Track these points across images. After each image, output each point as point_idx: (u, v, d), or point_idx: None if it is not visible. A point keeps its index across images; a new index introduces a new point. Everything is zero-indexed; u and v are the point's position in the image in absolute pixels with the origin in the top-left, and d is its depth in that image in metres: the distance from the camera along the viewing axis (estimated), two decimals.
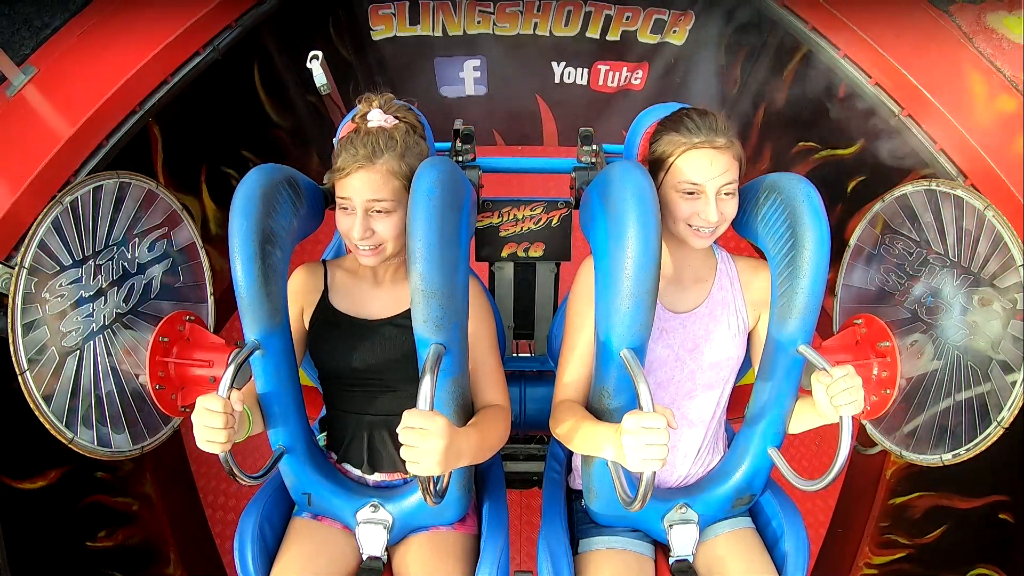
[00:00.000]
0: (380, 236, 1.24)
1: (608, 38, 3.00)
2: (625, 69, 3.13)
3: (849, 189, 2.43)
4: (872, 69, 2.08)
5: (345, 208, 1.25)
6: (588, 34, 3.00)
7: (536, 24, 2.97)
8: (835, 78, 2.31)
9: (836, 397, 1.13)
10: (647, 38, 2.98)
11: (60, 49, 1.83)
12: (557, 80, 3.21)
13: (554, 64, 3.16)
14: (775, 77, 2.74)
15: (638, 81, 3.17)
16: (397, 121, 1.28)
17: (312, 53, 2.23)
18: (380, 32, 2.99)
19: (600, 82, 3.21)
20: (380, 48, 3.03)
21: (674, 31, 2.94)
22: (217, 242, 1.79)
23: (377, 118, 1.26)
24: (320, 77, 2.20)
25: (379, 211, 1.23)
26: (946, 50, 1.97)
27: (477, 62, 3.14)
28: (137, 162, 2.10)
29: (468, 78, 3.20)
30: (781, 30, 2.49)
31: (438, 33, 3.00)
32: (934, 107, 1.88)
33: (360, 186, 1.21)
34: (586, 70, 3.16)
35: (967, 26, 2.02)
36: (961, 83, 1.91)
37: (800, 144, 2.69)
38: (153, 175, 2.15)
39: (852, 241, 1.71)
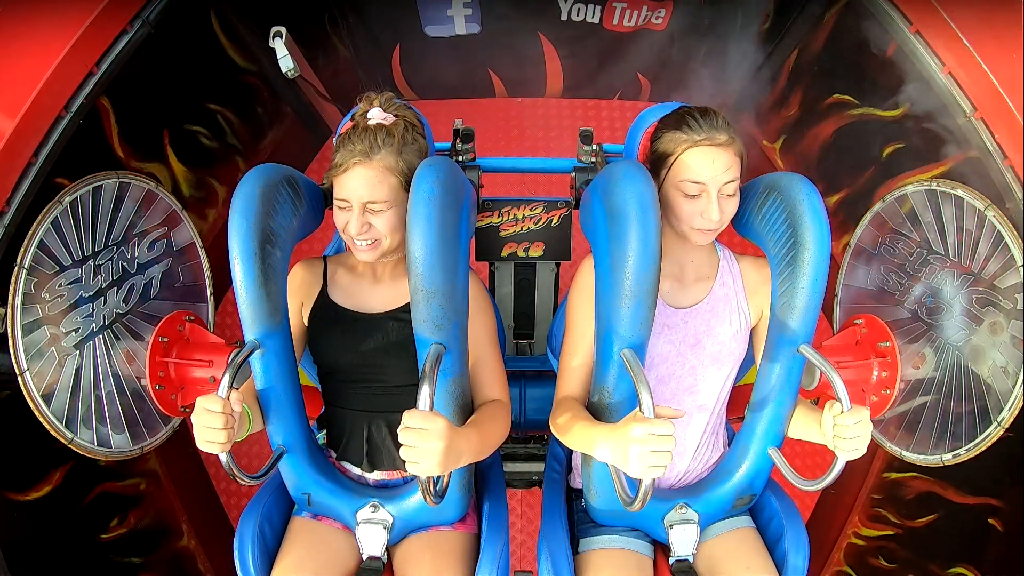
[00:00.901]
0: (377, 231, 1.25)
1: None
2: (645, 7, 2.72)
3: (884, 154, 2.23)
4: (947, 56, 1.83)
5: (342, 206, 1.25)
6: None
7: None
8: (885, 33, 2.08)
9: (842, 441, 1.12)
10: None
11: None
12: (564, 17, 2.79)
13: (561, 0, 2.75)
14: (816, 14, 2.46)
15: (659, 20, 2.77)
16: (396, 119, 1.28)
17: (274, 30, 2.02)
18: None
19: (615, 20, 2.79)
20: None
21: None
22: (192, 204, 1.68)
23: (377, 116, 1.26)
24: (286, 60, 2.00)
25: (375, 208, 1.23)
26: None
27: None
28: (90, 144, 1.93)
29: (458, 15, 2.79)
30: None
31: None
32: (1012, 116, 1.64)
33: (357, 183, 1.21)
34: (599, 6, 2.74)
35: None
36: None
37: (835, 96, 2.45)
38: (111, 151, 2.03)
39: (852, 241, 1.71)
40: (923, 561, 2.02)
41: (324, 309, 1.36)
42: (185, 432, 2.38)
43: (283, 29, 1.96)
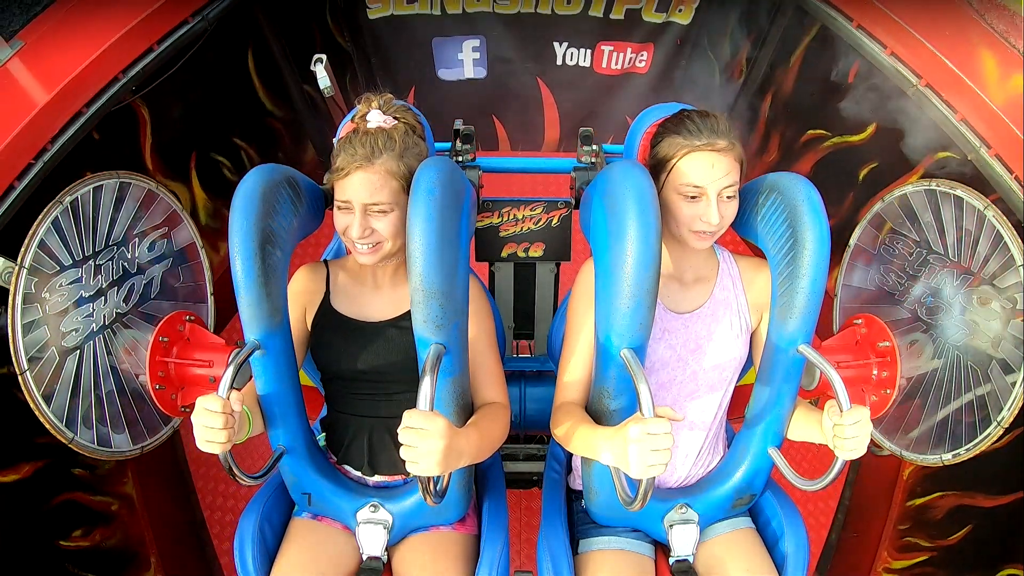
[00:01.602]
0: (379, 235, 1.25)
1: (612, 16, 2.90)
2: (629, 50, 3.03)
3: (861, 177, 2.38)
4: (888, 39, 1.99)
5: (343, 209, 1.25)
6: (591, 12, 2.89)
7: (537, 1, 2.87)
8: (847, 58, 2.24)
9: (842, 441, 1.12)
10: (652, 17, 2.90)
11: (48, 23, 1.77)
12: (559, 62, 3.11)
13: (556, 45, 3.06)
14: (783, 61, 2.66)
15: (643, 64, 3.10)
16: (396, 121, 1.28)
17: (316, 56, 2.24)
18: (376, 10, 2.90)
19: (604, 64, 3.12)
20: (376, 29, 2.96)
21: (680, 9, 2.85)
22: (207, 234, 1.75)
23: (376, 119, 1.26)
24: (324, 79, 2.21)
25: (377, 212, 1.23)
26: (961, 24, 1.88)
27: (476, 42, 3.04)
28: (124, 143, 2.04)
29: (467, 59, 3.11)
30: (791, 5, 2.44)
31: (436, 11, 2.91)
32: (954, 76, 1.80)
33: (358, 188, 1.21)
34: (589, 51, 3.06)
35: (979, 3, 1.92)
36: (978, 56, 1.82)
37: (809, 132, 2.62)
38: (140, 158, 2.10)
39: (852, 241, 1.71)
40: (966, 574, 1.99)
41: (327, 317, 1.36)
42: (172, 463, 2.35)
43: (324, 56, 2.14)
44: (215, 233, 2.53)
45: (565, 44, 3.06)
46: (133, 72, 1.82)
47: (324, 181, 1.34)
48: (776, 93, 2.77)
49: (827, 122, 2.51)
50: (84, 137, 1.72)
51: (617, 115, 3.26)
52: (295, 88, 2.87)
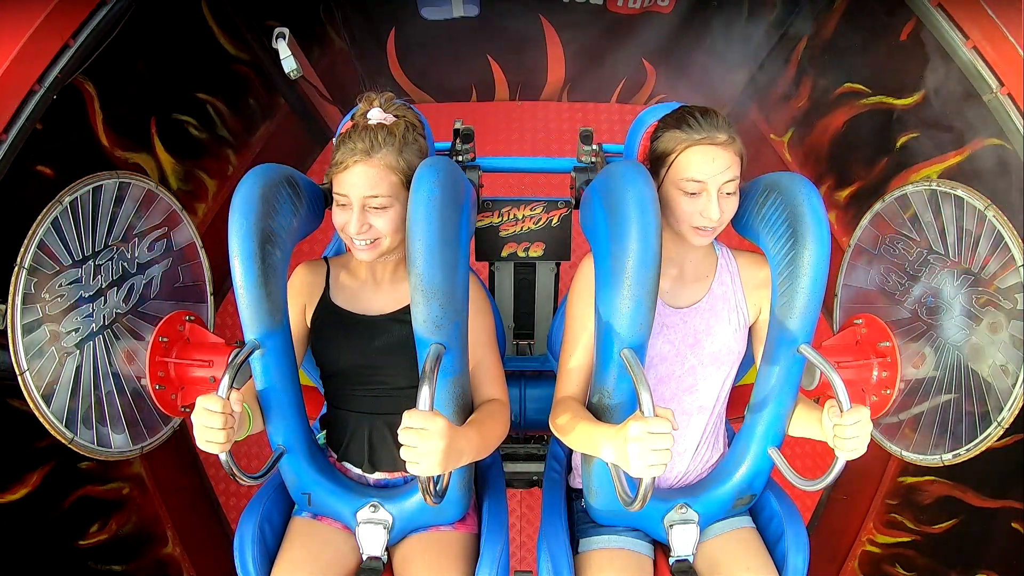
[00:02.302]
0: (376, 231, 1.24)
1: None
2: None
3: (898, 144, 2.17)
4: (971, 28, 1.73)
5: (342, 204, 1.25)
6: None
7: None
8: (901, 11, 2.00)
9: (842, 441, 1.12)
10: None
11: None
12: None
13: None
14: (824, 5, 2.41)
15: (665, 3, 2.71)
16: (397, 119, 1.28)
17: (277, 31, 2.02)
18: None
19: (620, 2, 2.72)
20: None
21: None
22: (181, 198, 1.61)
23: (377, 116, 1.26)
24: (289, 61, 2.01)
25: (376, 207, 1.23)
26: None
27: None
28: (72, 126, 1.87)
29: None
30: None
31: None
32: None
33: (357, 181, 1.21)
34: None
35: None
36: None
37: (847, 85, 2.39)
38: (93, 136, 1.96)
39: (852, 241, 1.71)
40: (944, 568, 1.96)
41: (326, 312, 1.36)
42: (174, 435, 2.35)
43: (286, 30, 1.96)
44: (189, 196, 2.42)
45: None
46: (53, 74, 1.63)
47: (323, 178, 1.34)
48: (814, 36, 2.51)
49: (868, 78, 2.30)
50: (29, 133, 1.59)
51: (632, 59, 2.92)
52: (259, 27, 2.58)
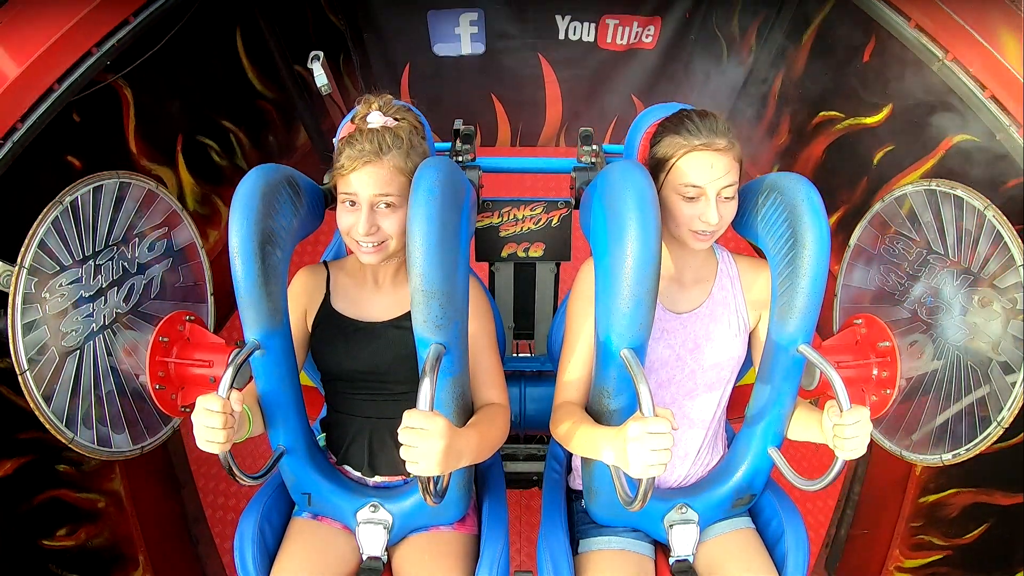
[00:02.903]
0: (384, 232, 1.24)
1: None
2: (636, 24, 2.88)
3: (875, 160, 2.28)
4: (912, 10, 1.85)
5: (350, 203, 1.24)
6: None
7: None
8: (863, 35, 2.11)
9: (842, 440, 1.12)
10: None
11: (17, 4, 1.66)
12: (562, 36, 2.95)
13: (558, 18, 2.90)
14: (795, 39, 2.54)
15: (649, 39, 2.95)
16: (398, 122, 1.28)
17: (313, 53, 2.19)
18: None
19: (608, 39, 2.96)
20: (369, 1, 2.85)
21: None
22: (196, 220, 1.70)
23: (377, 120, 1.26)
24: (321, 77, 2.18)
25: (386, 205, 1.23)
26: (989, 3, 1.76)
27: (475, 15, 2.89)
28: (106, 125, 1.97)
29: (464, 34, 2.96)
30: None
31: None
32: (982, 50, 1.68)
33: (367, 180, 1.21)
34: (593, 25, 2.91)
35: None
36: (1005, 32, 1.69)
37: (821, 114, 2.52)
38: (124, 141, 2.03)
39: (852, 241, 1.71)
40: (982, 575, 1.93)
41: (327, 318, 1.36)
42: (164, 459, 2.29)
43: (321, 53, 2.09)
44: (204, 220, 2.46)
45: (568, 17, 2.90)
46: (107, 46, 1.71)
47: (324, 180, 1.34)
48: (787, 73, 2.65)
49: (840, 103, 2.41)
50: (63, 119, 1.65)
51: (622, 94, 3.14)
52: (285, 69, 2.76)
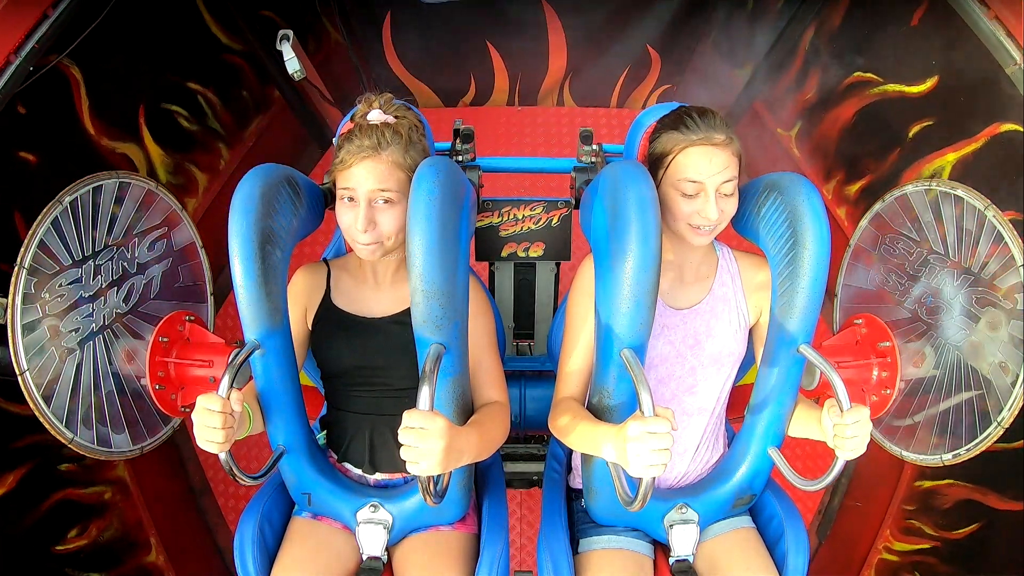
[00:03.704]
0: (382, 230, 1.24)
1: None
2: None
3: (910, 134, 2.11)
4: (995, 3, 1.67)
5: (349, 199, 1.23)
6: None
7: None
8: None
9: (842, 440, 1.12)
10: None
11: None
12: None
13: None
14: None
15: None
16: (398, 119, 1.28)
17: (281, 33, 2.00)
18: None
19: None
20: None
21: None
22: (169, 190, 1.58)
23: (377, 117, 1.26)
24: (293, 61, 2.01)
25: (384, 201, 1.22)
26: None
27: None
28: (56, 111, 1.82)
29: None
30: None
31: None
32: None
33: (365, 174, 1.20)
34: None
35: None
36: None
37: (856, 75, 2.32)
38: (78, 123, 1.91)
39: (852, 241, 1.71)
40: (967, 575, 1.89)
41: (328, 314, 1.37)
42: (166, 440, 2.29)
43: (290, 32, 1.93)
44: (179, 190, 2.31)
45: None
46: (30, 45, 1.55)
47: (324, 179, 1.33)
48: (821, 24, 2.46)
49: (879, 66, 2.23)
50: (7, 114, 1.54)
51: (635, 44, 2.84)
52: (252, 15, 2.52)
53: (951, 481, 1.94)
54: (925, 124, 2.06)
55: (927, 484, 2.03)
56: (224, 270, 1.20)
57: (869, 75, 2.28)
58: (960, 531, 1.91)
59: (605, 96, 3.14)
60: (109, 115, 2.00)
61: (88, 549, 1.82)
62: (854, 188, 2.39)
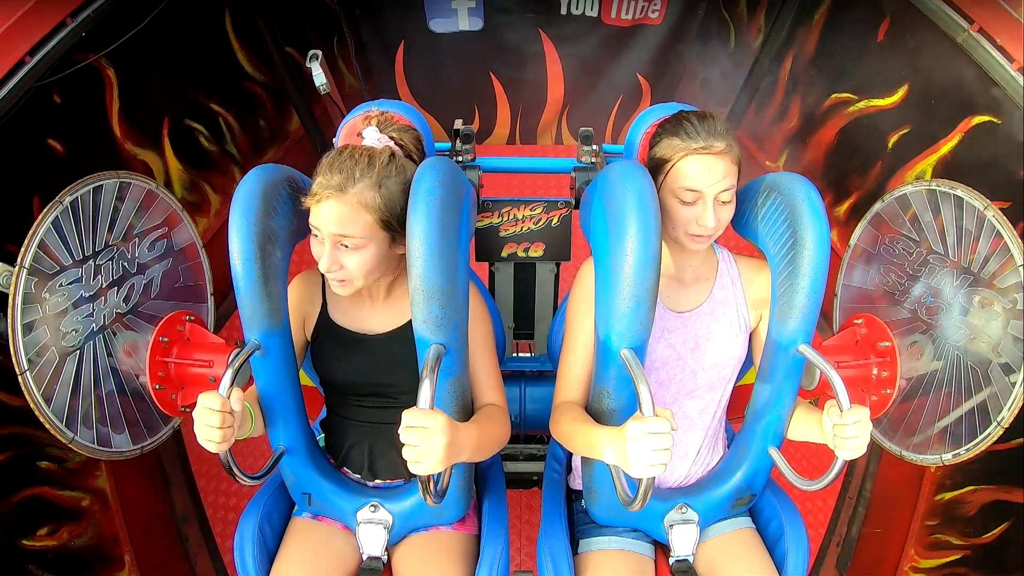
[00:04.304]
0: (349, 271, 1.19)
1: None
2: None
3: (890, 144, 2.18)
4: None
5: (315, 235, 1.20)
6: None
7: None
8: (878, 10, 2.04)
9: (842, 440, 1.12)
10: None
11: None
12: (564, 11, 2.79)
13: None
14: (806, 19, 2.45)
15: (656, 14, 2.81)
16: (391, 142, 1.23)
17: (312, 52, 2.16)
18: None
19: (613, 13, 2.81)
20: None
21: None
22: (183, 206, 1.63)
23: (371, 136, 1.21)
24: (319, 77, 2.17)
25: (347, 246, 1.17)
26: None
27: None
28: (88, 107, 1.89)
29: (462, 9, 2.81)
30: None
31: None
32: (1011, 20, 1.58)
33: (327, 216, 1.14)
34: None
35: None
36: None
37: (833, 96, 2.42)
38: (107, 123, 1.95)
39: (852, 241, 1.71)
40: (1003, 575, 1.86)
41: (326, 328, 1.35)
42: (153, 456, 2.19)
43: (319, 52, 2.04)
44: (192, 208, 2.37)
45: None
46: (83, 16, 1.62)
47: (295, 244, 1.28)
48: (797, 54, 2.56)
49: (853, 85, 2.32)
50: (44, 100, 1.57)
51: (627, 72, 3.01)
52: (277, 51, 2.66)
53: (973, 487, 1.92)
54: (902, 132, 2.12)
55: (948, 496, 2.01)
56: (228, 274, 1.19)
57: (846, 95, 2.36)
58: (988, 534, 1.89)
59: (600, 125, 3.25)
60: (136, 121, 2.04)
61: (56, 551, 1.77)
62: (843, 209, 2.44)
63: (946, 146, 1.94)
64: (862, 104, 2.29)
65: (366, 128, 1.22)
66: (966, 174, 1.79)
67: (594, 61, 3.00)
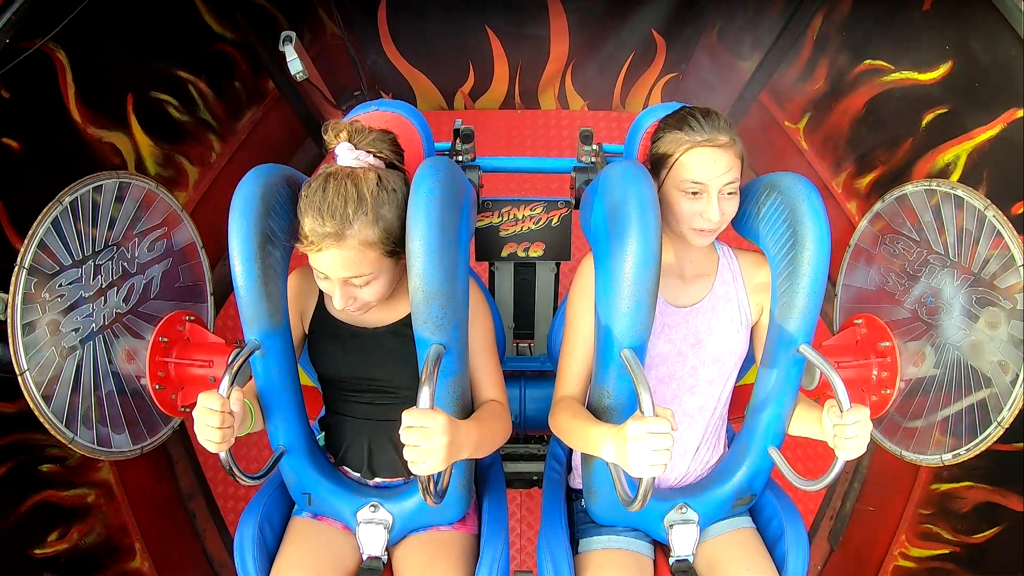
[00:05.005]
0: (364, 300, 1.20)
1: None
2: None
3: (924, 123, 2.03)
4: None
5: (321, 276, 1.18)
6: None
7: None
8: None
9: (842, 440, 1.12)
10: None
11: None
12: None
13: None
14: None
15: None
16: (370, 157, 1.17)
17: (284, 34, 1.98)
18: None
19: None
20: None
21: None
22: (160, 182, 1.54)
23: (346, 156, 1.15)
24: (295, 62, 2.00)
25: (357, 284, 1.17)
26: None
27: None
28: (40, 97, 1.73)
29: None
30: None
31: None
32: None
33: (332, 264, 1.13)
34: None
35: None
36: None
37: (867, 63, 2.24)
38: (64, 110, 1.82)
39: (852, 241, 1.71)
40: None
41: (323, 322, 1.35)
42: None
43: (292, 34, 1.91)
44: (169, 182, 2.21)
45: None
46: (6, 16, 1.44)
47: (292, 242, 1.21)
48: (830, 11, 2.40)
49: (890, 53, 2.16)
50: None
51: (640, 28, 2.74)
52: (245, 4, 2.44)
53: (969, 483, 1.88)
54: (939, 112, 1.98)
55: (944, 487, 1.98)
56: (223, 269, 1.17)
57: (880, 63, 2.20)
58: (980, 535, 1.85)
59: (608, 86, 3.01)
60: (96, 102, 1.91)
61: (69, 554, 1.75)
62: (865, 181, 2.33)
63: (984, 135, 1.82)
64: (898, 75, 2.14)
65: (339, 146, 1.16)
66: (1000, 168, 1.72)
67: (604, 13, 2.70)
